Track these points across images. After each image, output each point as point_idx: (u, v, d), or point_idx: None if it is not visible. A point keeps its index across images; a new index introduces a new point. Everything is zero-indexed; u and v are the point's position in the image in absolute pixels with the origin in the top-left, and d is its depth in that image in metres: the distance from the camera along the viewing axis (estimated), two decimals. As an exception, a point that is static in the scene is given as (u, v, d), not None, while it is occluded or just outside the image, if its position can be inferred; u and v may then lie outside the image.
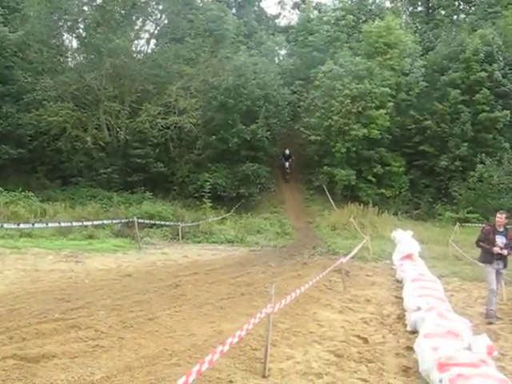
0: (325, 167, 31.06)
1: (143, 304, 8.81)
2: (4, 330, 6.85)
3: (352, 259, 14.54)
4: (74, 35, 33.66)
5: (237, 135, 29.57)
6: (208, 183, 27.58)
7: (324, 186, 31.35)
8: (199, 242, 19.96)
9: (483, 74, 30.89)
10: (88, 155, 29.23)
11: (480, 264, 10.55)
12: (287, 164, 33.69)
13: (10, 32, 30.34)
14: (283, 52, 46.02)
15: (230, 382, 5.77)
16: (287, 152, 33.57)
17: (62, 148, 28.69)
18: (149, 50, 35.62)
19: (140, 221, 18.26)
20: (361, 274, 14.10)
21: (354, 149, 30.62)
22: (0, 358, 5.84)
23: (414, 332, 7.86)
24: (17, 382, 5.35)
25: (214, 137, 30.39)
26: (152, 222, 20.48)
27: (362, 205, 27.84)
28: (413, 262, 13.60)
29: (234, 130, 29.69)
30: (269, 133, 30.71)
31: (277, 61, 42.76)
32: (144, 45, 35.52)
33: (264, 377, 6.00)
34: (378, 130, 30.76)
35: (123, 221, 18.45)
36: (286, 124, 34.15)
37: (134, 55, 34.07)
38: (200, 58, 33.45)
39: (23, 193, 23.57)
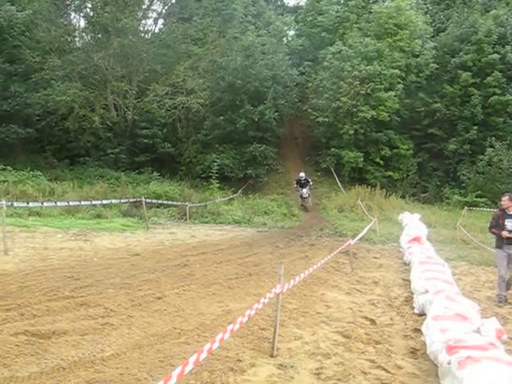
0: (332, 149, 30.95)
1: (152, 283, 8.85)
2: (15, 307, 6.92)
3: (359, 241, 14.52)
4: (82, 14, 33.61)
5: (244, 116, 29.48)
6: (215, 164, 27.60)
7: (331, 168, 31.28)
8: (206, 223, 19.98)
9: (495, 56, 30.55)
10: (95, 135, 29.26)
11: (492, 250, 10.49)
12: (305, 193, 25.96)
13: (17, 11, 30.21)
14: (292, 32, 45.53)
15: (239, 360, 5.80)
16: (302, 176, 26.11)
17: (69, 128, 28.73)
18: (156, 30, 35.55)
19: (148, 201, 18.28)
20: (368, 256, 14.10)
21: (362, 131, 30.50)
22: (12, 333, 5.91)
23: (422, 314, 7.87)
24: (29, 357, 5.41)
25: (221, 117, 30.34)
26: (159, 201, 20.50)
27: (369, 187, 27.80)
28: (420, 244, 13.56)
29: (242, 110, 29.60)
30: (277, 114, 30.59)
31: (285, 41, 42.40)
32: (152, 24, 35.46)
33: (272, 356, 6.03)
34: (387, 112, 30.60)
35: (131, 200, 18.47)
36: (294, 105, 33.98)
37: (142, 35, 33.96)
38: (208, 37, 33.31)
39: (31, 172, 23.69)
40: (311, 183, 26.70)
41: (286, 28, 43.98)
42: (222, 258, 11.94)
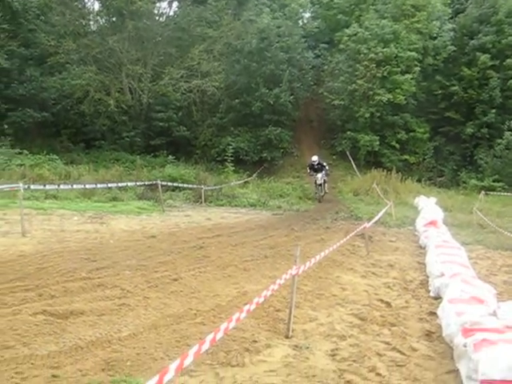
0: (348, 132, 30.82)
1: (168, 264, 8.89)
2: (33, 288, 6.99)
3: (375, 224, 14.47)
4: (96, -3, 33.51)
5: (260, 99, 29.43)
6: (230, 147, 27.59)
7: (347, 152, 31.16)
8: (222, 205, 20.02)
9: (516, 37, 30.06)
10: (111, 119, 29.38)
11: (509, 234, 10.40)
12: (320, 178, 22.70)
13: None
14: (307, 15, 45.14)
15: (254, 341, 5.83)
16: (315, 160, 23.10)
17: (85, 111, 28.88)
18: (171, 13, 35.35)
19: (163, 184, 18.34)
20: (384, 239, 14.04)
21: (378, 114, 30.32)
22: (31, 313, 5.98)
23: (437, 298, 7.85)
24: (47, 337, 5.48)
25: (236, 100, 30.31)
26: (175, 184, 20.55)
27: (385, 171, 27.67)
28: (437, 228, 13.48)
29: (257, 93, 29.55)
30: (292, 97, 30.53)
31: (301, 23, 42.03)
32: (166, 7, 35.24)
33: (287, 337, 6.05)
34: (403, 96, 30.39)
35: (147, 183, 18.55)
36: (310, 88, 33.88)
37: (156, 18, 33.87)
38: (223, 20, 33.12)
39: (48, 155, 23.89)
40: (327, 167, 23.30)
41: (301, 10, 43.55)
42: (238, 240, 11.96)
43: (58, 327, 5.75)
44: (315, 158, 23.07)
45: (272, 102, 29.37)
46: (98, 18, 34.20)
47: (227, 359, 5.28)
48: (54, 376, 4.59)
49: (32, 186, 13.18)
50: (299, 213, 19.52)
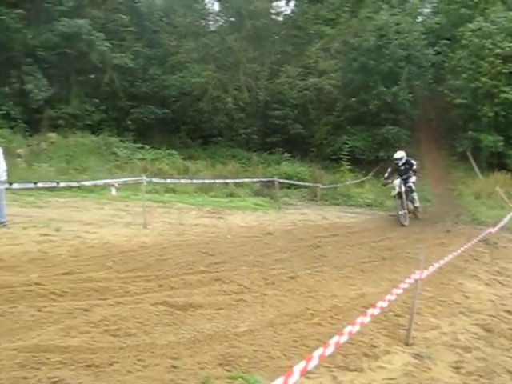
0: (469, 132, 29.28)
1: (284, 262, 8.85)
2: (154, 278, 7.20)
3: (499, 230, 13.64)
4: (216, -2, 34.33)
5: (377, 97, 28.76)
6: (346, 146, 27.14)
7: (468, 153, 29.68)
8: (337, 205, 19.76)
9: None
10: (228, 116, 29.96)
11: None
12: (399, 185, 15.12)
13: None
14: (427, 10, 43.53)
15: (373, 346, 5.62)
16: (399, 157, 15.82)
17: (203, 108, 29.61)
18: (288, 11, 35.41)
19: (280, 181, 18.41)
20: (510, 246, 13.21)
21: (503, 113, 28.53)
22: (152, 303, 6.14)
23: None
24: (167, 327, 5.59)
25: (353, 99, 29.82)
26: (291, 182, 20.56)
27: (509, 173, 26.03)
28: None
29: (375, 91, 28.89)
30: (410, 95, 29.60)
31: (420, 19, 40.55)
32: (283, 6, 35.34)
33: (407, 344, 5.78)
34: (532, 93, 28.41)
35: (264, 180, 18.71)
36: (429, 86, 32.66)
37: (273, 17, 34.05)
38: (340, 18, 32.72)
39: (167, 151, 24.82)
40: (415, 166, 15.90)
41: (421, 5, 42.09)
42: (355, 240, 11.72)
43: (178, 318, 5.85)
44: (400, 155, 15.69)
45: (389, 101, 28.59)
46: (218, 18, 35.00)
47: (345, 363, 5.11)
48: (173, 366, 4.65)
49: (154, 180, 13.65)
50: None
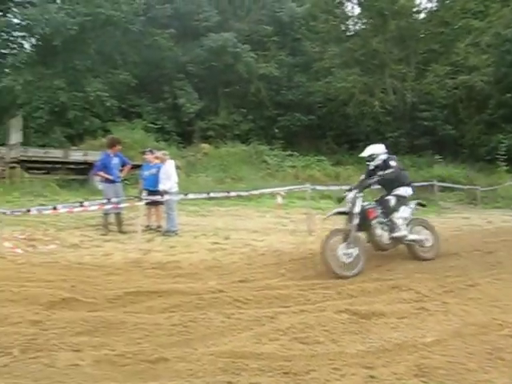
0: None
1: (458, 269, 8.46)
2: (331, 286, 7.22)
3: None
4: (355, 1, 34.00)
5: (536, 91, 26.92)
6: (502, 145, 25.64)
7: None
8: (499, 208, 18.70)
9: None
10: (375, 119, 29.64)
11: None
12: (352, 200, 8.83)
13: (297, 6, 32.99)
14: None
15: None
16: (369, 153, 9.57)
17: (349, 113, 29.50)
18: (433, 8, 34.23)
19: (440, 184, 17.82)
20: None
21: None
22: (335, 310, 6.11)
23: None
24: (354, 336, 5.52)
25: (508, 94, 28.11)
26: (449, 185, 19.77)
27: None
28: None
29: (532, 85, 27.08)
30: None
31: None
32: (427, 3, 34.27)
33: None
34: None
35: (424, 184, 18.21)
36: None
37: (416, 15, 33.14)
38: (490, 9, 31.05)
39: (315, 157, 24.96)
40: (393, 169, 9.20)
41: None
42: (528, 246, 10.95)
43: (363, 327, 5.76)
44: (370, 151, 9.65)
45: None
46: (359, 20, 34.71)
47: None
48: (371, 376, 4.57)
49: (318, 187, 13.72)
50: None
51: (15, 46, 30.67)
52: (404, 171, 9.82)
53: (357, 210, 8.67)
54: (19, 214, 10.74)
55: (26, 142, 20.04)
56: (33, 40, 30.75)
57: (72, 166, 19.81)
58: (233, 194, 11.63)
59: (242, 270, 8.01)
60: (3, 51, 29.98)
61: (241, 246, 9.62)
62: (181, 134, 28.15)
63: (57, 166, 19.58)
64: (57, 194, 16.95)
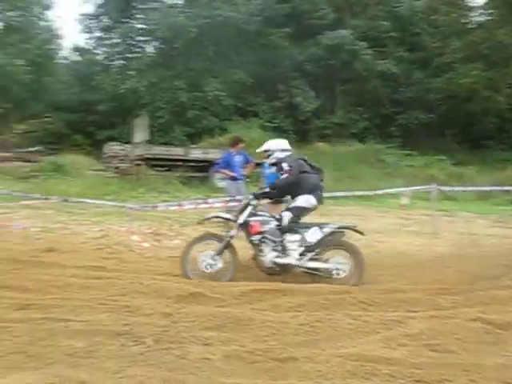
0: None
1: None
2: (459, 291, 6.88)
3: None
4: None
5: None
6: None
7: None
8: None
9: None
10: (499, 117, 28.20)
11: None
12: (247, 211, 7.78)
13: (415, 0, 31.79)
14: None
15: None
16: (264, 149, 8.20)
17: (472, 110, 28.17)
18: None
19: None
20: None
21: None
22: (466, 318, 5.79)
23: None
24: (490, 347, 5.20)
25: None
26: None
27: None
28: None
29: None
30: None
31: None
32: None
33: None
34: None
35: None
36: None
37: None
38: None
39: (435, 156, 24.06)
40: (286, 171, 7.74)
41: None
42: None
43: (499, 338, 5.41)
44: (265, 146, 8.22)
45: None
46: (484, 11, 33.03)
47: None
48: (511, 393, 4.31)
49: (443, 188, 13.21)
50: None
51: (138, 50, 32.34)
52: (307, 174, 7.88)
53: (241, 220, 7.63)
54: (147, 209, 11.25)
55: (149, 141, 20.83)
56: (155, 44, 32.25)
57: (192, 164, 20.25)
58: (357, 193, 11.49)
59: (366, 271, 7.82)
60: (128, 55, 31.71)
61: (364, 247, 9.42)
62: (297, 132, 28.22)
63: (178, 163, 20.09)
64: (179, 190, 17.53)
